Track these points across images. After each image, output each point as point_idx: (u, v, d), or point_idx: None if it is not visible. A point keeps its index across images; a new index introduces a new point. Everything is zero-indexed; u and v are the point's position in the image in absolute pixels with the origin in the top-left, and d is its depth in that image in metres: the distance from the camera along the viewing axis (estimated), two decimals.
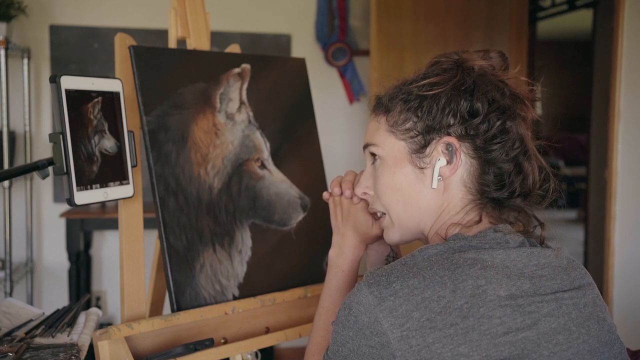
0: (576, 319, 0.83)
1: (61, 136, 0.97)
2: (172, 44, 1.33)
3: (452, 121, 0.89)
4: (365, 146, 0.98)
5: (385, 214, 0.97)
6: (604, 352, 0.85)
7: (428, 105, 0.90)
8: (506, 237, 0.86)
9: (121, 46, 1.21)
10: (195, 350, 1.13)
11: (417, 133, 0.91)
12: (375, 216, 1.04)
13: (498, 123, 0.89)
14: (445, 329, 0.76)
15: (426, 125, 0.90)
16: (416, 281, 0.78)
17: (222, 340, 1.22)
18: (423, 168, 0.91)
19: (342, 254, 1.07)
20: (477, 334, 0.76)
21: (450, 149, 0.89)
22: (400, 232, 0.96)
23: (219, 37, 2.93)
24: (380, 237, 1.06)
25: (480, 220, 0.90)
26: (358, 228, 1.06)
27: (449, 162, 0.90)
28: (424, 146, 0.90)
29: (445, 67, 0.93)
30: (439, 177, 0.90)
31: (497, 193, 0.90)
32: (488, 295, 0.78)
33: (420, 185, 0.91)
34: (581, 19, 5.65)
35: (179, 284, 1.19)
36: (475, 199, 0.91)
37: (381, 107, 0.96)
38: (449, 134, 0.89)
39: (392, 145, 0.93)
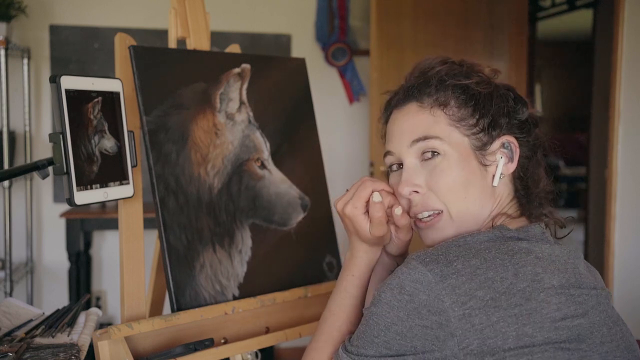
0: (612, 316, 0.87)
1: (61, 136, 0.97)
2: (172, 44, 1.32)
3: (506, 120, 0.92)
4: (421, 139, 0.91)
5: (439, 212, 0.91)
6: (636, 350, 0.89)
7: (485, 101, 0.91)
8: (545, 234, 0.89)
9: (121, 46, 1.21)
10: (195, 350, 1.13)
11: (480, 129, 0.91)
12: (368, 216, 0.96)
13: (535, 130, 0.95)
14: (510, 309, 0.77)
15: (488, 123, 0.91)
16: (477, 261, 0.79)
17: (222, 340, 1.22)
18: (487, 165, 0.91)
19: (353, 257, 1.01)
20: (540, 317, 0.78)
21: (508, 147, 0.92)
22: (456, 229, 0.91)
23: (219, 37, 2.93)
24: (384, 237, 0.98)
25: (521, 215, 0.93)
26: (360, 234, 0.99)
27: (509, 160, 0.92)
28: (486, 143, 0.91)
29: (475, 68, 0.96)
30: (502, 175, 0.92)
31: (528, 188, 0.94)
32: (545, 282, 0.80)
33: (483, 182, 0.91)
34: (581, 19, 5.65)
35: (179, 284, 1.19)
36: (517, 195, 0.94)
37: (429, 99, 0.92)
38: (508, 133, 0.92)
39: (457, 140, 0.91)
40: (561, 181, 7.83)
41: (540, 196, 0.95)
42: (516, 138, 0.93)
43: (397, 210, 0.94)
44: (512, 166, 0.92)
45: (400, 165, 0.95)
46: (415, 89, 0.94)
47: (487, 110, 0.91)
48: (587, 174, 4.78)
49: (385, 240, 0.98)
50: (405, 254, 1.02)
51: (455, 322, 0.76)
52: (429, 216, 0.92)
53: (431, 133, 0.91)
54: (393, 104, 0.98)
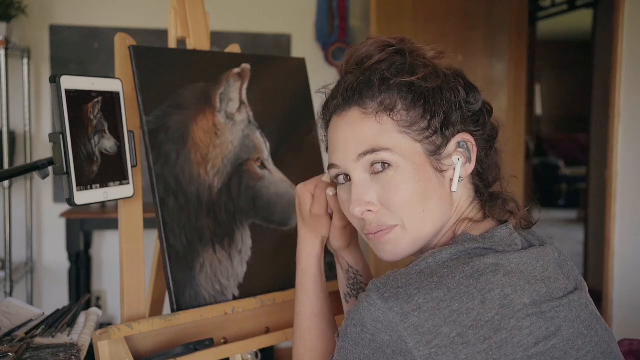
0: (585, 320, 0.80)
1: (61, 136, 0.97)
2: (172, 44, 1.32)
3: (459, 114, 0.83)
4: (368, 152, 0.82)
5: (394, 226, 0.83)
6: (612, 352, 0.83)
7: (434, 99, 0.81)
8: (512, 236, 0.82)
9: (121, 46, 1.21)
10: (195, 350, 1.13)
11: (433, 132, 0.81)
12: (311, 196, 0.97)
13: (488, 117, 0.88)
14: (479, 344, 0.71)
15: (441, 123, 0.81)
16: (441, 293, 0.72)
17: (222, 340, 1.22)
18: (444, 171, 0.83)
19: (299, 252, 1.01)
20: (511, 347, 0.72)
21: (464, 146, 0.83)
22: (411, 247, 0.84)
23: (219, 37, 2.93)
24: (322, 223, 0.97)
25: (484, 217, 0.86)
26: (302, 213, 0.97)
27: (467, 161, 0.84)
28: (442, 146, 0.82)
29: (419, 53, 0.86)
30: (460, 179, 0.83)
31: (486, 185, 0.88)
32: (515, 305, 0.73)
33: (441, 190, 0.83)
34: (581, 19, 5.65)
35: (179, 284, 1.19)
36: (477, 196, 0.87)
37: (372, 102, 0.82)
38: (462, 131, 0.83)
39: (409, 148, 0.81)
40: (561, 181, 7.84)
41: (501, 192, 0.88)
42: (472, 133, 0.84)
43: (330, 191, 0.95)
44: (471, 167, 0.84)
45: (348, 176, 0.86)
46: (355, 91, 0.83)
47: (439, 108, 0.81)
48: (587, 174, 4.78)
49: (323, 229, 0.98)
50: (350, 246, 1.02)
51: None
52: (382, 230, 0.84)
53: (379, 144, 0.81)
54: (332, 108, 0.87)
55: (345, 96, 0.84)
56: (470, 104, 0.85)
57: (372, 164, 0.82)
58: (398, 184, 0.81)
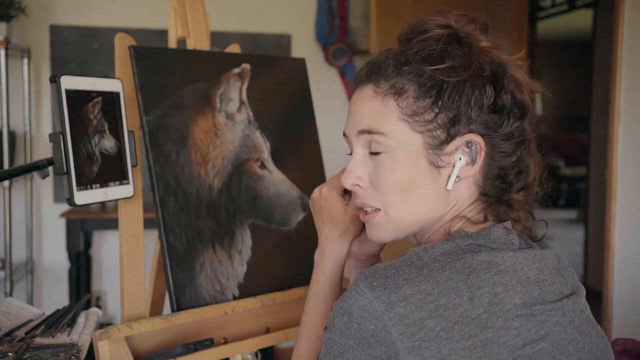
0: (579, 326, 0.79)
1: (61, 136, 0.97)
2: (172, 44, 1.32)
3: (475, 115, 0.79)
4: (365, 132, 0.83)
5: (378, 209, 0.85)
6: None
7: (451, 93, 0.78)
8: (509, 236, 0.80)
9: (121, 46, 1.21)
10: (195, 350, 1.13)
11: (437, 126, 0.79)
12: (345, 199, 0.95)
13: (517, 124, 0.82)
14: (464, 341, 0.69)
15: (450, 118, 0.79)
16: (429, 286, 0.71)
17: (222, 340, 1.22)
18: (441, 167, 0.80)
19: (322, 255, 0.99)
20: (497, 347, 0.70)
21: (472, 147, 0.80)
22: (395, 233, 0.85)
23: (219, 37, 2.93)
24: (356, 224, 0.96)
25: (485, 220, 0.84)
26: (333, 216, 0.95)
27: (471, 162, 0.81)
28: (445, 142, 0.79)
29: (454, 44, 0.81)
30: (458, 178, 0.81)
31: (501, 190, 0.84)
32: (505, 304, 0.72)
33: (433, 185, 0.81)
34: (581, 19, 5.65)
35: (179, 284, 1.19)
36: (481, 197, 0.84)
37: (386, 83, 0.82)
38: (472, 131, 0.79)
39: (406, 137, 0.80)
40: (561, 181, 7.85)
41: (516, 198, 0.84)
42: (486, 136, 0.80)
43: None
44: (472, 169, 0.81)
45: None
46: (377, 68, 0.83)
47: (452, 103, 0.78)
48: (587, 174, 4.78)
49: (357, 228, 0.96)
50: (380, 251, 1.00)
51: (404, 354, 0.69)
52: (370, 211, 0.86)
53: (376, 127, 0.81)
54: (357, 78, 0.87)
55: (369, 71, 0.85)
56: (496, 106, 0.80)
57: (370, 143, 0.83)
58: (387, 168, 0.82)
